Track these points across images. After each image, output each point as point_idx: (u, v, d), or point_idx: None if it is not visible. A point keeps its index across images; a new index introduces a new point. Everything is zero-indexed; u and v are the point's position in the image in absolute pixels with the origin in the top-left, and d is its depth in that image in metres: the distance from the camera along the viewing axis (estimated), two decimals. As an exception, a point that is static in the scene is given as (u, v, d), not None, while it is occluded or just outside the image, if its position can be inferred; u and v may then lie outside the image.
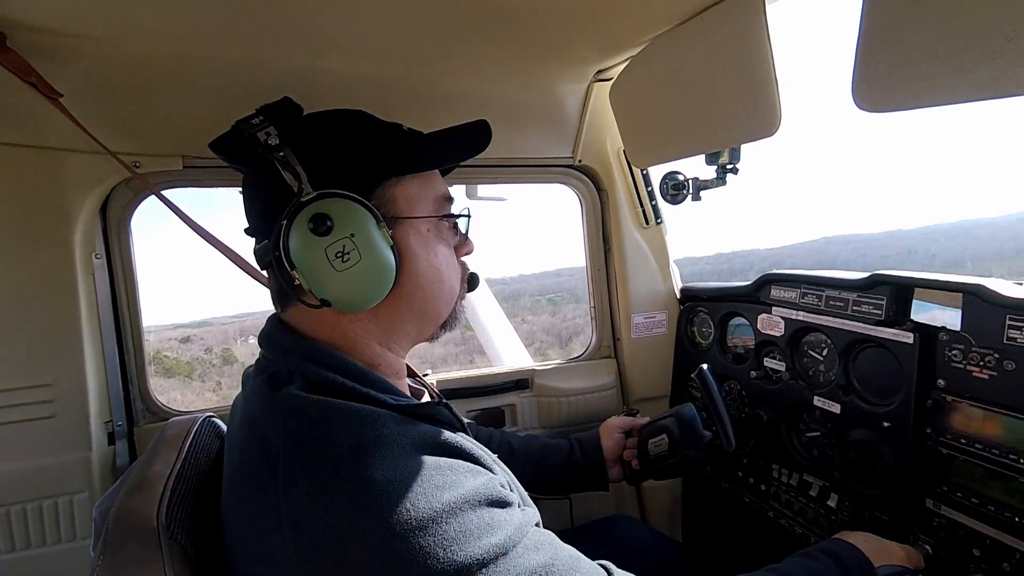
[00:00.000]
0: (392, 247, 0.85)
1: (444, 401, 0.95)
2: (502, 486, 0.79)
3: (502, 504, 0.76)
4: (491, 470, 0.82)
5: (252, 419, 0.82)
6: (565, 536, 0.93)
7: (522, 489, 0.94)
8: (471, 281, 1.04)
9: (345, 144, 0.87)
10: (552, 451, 1.55)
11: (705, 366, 1.53)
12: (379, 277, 0.83)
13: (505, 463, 1.45)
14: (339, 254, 0.80)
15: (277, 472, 0.71)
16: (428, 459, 0.74)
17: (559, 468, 1.53)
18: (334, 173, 0.84)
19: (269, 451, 0.74)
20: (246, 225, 0.92)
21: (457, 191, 2.09)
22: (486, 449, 0.88)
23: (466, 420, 1.51)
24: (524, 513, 0.80)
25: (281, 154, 0.82)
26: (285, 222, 0.80)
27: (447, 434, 0.80)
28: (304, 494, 0.69)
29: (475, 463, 0.80)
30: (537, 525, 0.82)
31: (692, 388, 1.96)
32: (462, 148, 0.98)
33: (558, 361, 2.06)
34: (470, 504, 0.71)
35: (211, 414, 1.16)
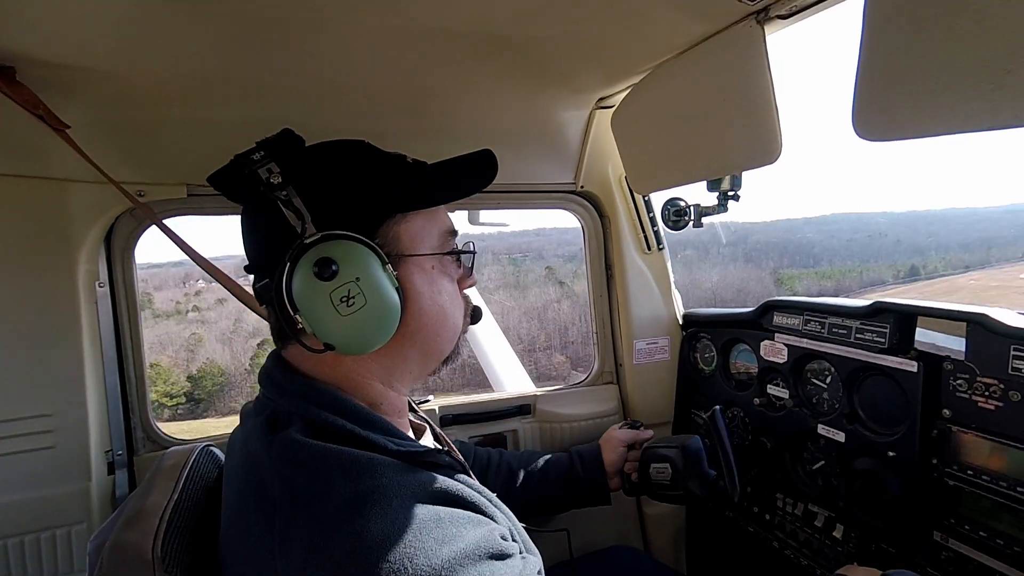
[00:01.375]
0: (397, 287, 0.83)
1: (445, 448, 0.94)
2: (503, 537, 0.78)
3: (502, 556, 0.74)
4: (492, 518, 0.80)
5: (250, 462, 0.80)
6: (566, 568, 0.92)
7: (524, 534, 0.92)
8: (474, 315, 1.02)
9: (348, 181, 0.85)
10: (552, 468, 1.53)
11: (718, 408, 1.50)
12: (384, 320, 0.81)
13: (505, 485, 1.44)
14: (344, 298, 0.78)
15: (274, 525, 0.70)
16: (427, 510, 0.72)
17: (560, 485, 1.51)
18: (337, 212, 0.81)
19: (266, 501, 0.72)
20: (246, 262, 0.91)
21: (460, 216, 2.10)
22: (487, 492, 0.86)
23: (466, 441, 1.50)
24: (525, 563, 0.78)
25: (284, 193, 0.80)
26: (288, 264, 0.78)
27: (448, 482, 0.79)
28: (300, 550, 0.67)
29: (476, 511, 0.78)
30: (539, 573, 0.81)
31: (700, 424, 1.94)
32: (467, 182, 0.96)
33: (560, 386, 2.05)
34: (470, 559, 0.69)
35: (210, 443, 1.15)
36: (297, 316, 0.79)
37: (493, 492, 1.36)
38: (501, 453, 1.55)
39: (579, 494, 1.52)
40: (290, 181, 0.80)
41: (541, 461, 1.54)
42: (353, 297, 0.78)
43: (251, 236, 0.89)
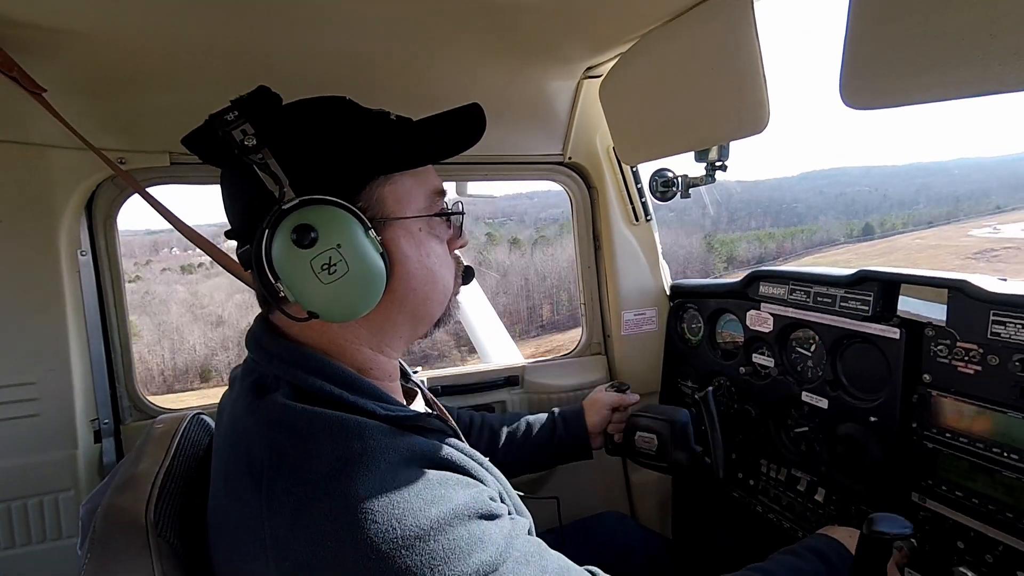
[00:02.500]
0: (382, 252, 0.81)
1: (436, 409, 0.94)
2: (492, 498, 0.78)
3: (491, 516, 0.74)
4: (482, 481, 0.80)
5: (237, 427, 0.79)
6: (554, 535, 0.93)
7: (514, 495, 0.92)
8: (465, 275, 1.00)
9: (328, 141, 0.81)
10: (535, 429, 1.53)
11: (710, 389, 1.51)
12: (368, 286, 0.79)
13: (487, 447, 1.45)
14: (325, 266, 0.75)
15: (261, 488, 0.69)
16: (416, 473, 0.72)
17: (542, 446, 1.51)
18: (317, 174, 0.79)
19: (253, 465, 0.72)
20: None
21: (448, 187, 2.08)
22: (478, 456, 0.86)
23: (447, 405, 1.51)
24: (514, 523, 0.78)
25: (259, 156, 0.76)
26: (267, 231, 0.76)
27: (437, 445, 0.78)
28: (287, 513, 0.67)
29: (465, 474, 0.78)
30: (529, 532, 0.81)
31: (687, 395, 1.97)
32: (455, 138, 0.92)
33: (549, 358, 2.06)
34: (459, 519, 0.69)
35: (200, 411, 1.15)
36: (278, 284, 0.77)
37: (479, 449, 1.38)
38: (484, 416, 1.55)
39: (562, 453, 1.53)
40: (266, 143, 0.76)
41: (523, 422, 1.54)
42: (335, 264, 0.76)
43: (230, 201, 0.86)
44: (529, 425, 1.54)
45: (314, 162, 0.80)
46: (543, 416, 1.57)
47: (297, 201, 0.76)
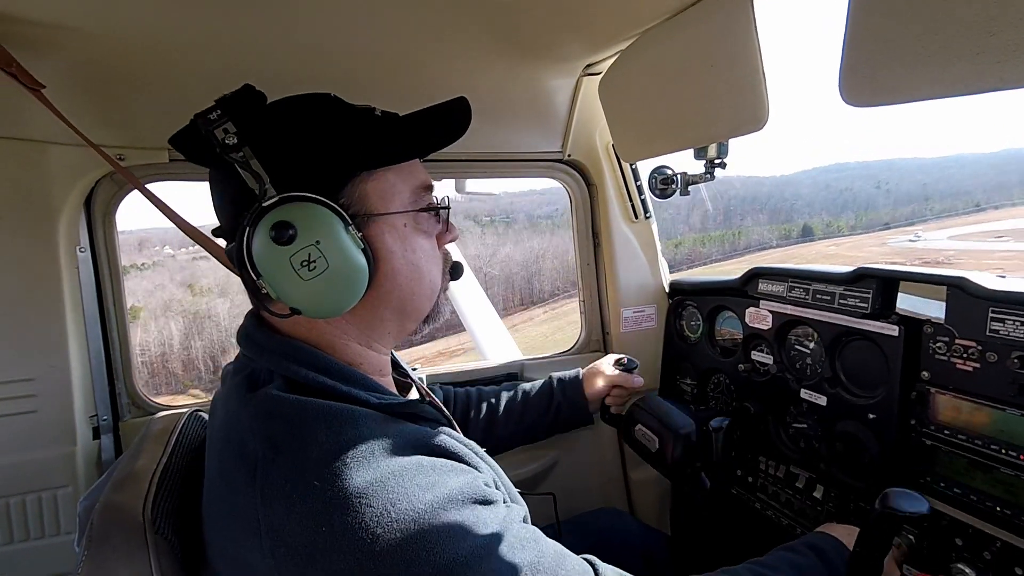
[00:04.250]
0: (364, 248, 0.81)
1: (429, 399, 0.94)
2: (486, 484, 0.78)
3: (486, 502, 0.75)
4: (476, 468, 0.81)
5: (231, 420, 0.80)
6: (551, 531, 0.93)
7: (509, 484, 0.93)
8: (454, 270, 1.00)
9: (309, 138, 0.82)
10: (534, 398, 1.52)
11: (725, 422, 1.45)
12: (349, 283, 0.79)
13: (488, 420, 1.46)
14: (304, 263, 0.76)
15: (255, 478, 0.70)
16: (410, 459, 0.72)
17: (542, 415, 1.51)
18: (298, 172, 0.79)
19: (247, 455, 0.72)
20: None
21: (447, 185, 2.08)
22: (472, 444, 0.86)
23: (435, 383, 1.50)
24: (509, 510, 0.78)
25: (240, 154, 0.76)
26: (247, 228, 0.76)
27: (431, 432, 0.79)
28: (282, 501, 0.67)
29: (459, 461, 0.78)
30: (524, 520, 0.82)
31: (685, 392, 1.97)
32: (441, 133, 0.92)
33: (548, 355, 2.06)
34: (453, 503, 0.70)
35: (198, 409, 1.15)
36: (260, 281, 0.78)
37: (478, 428, 1.35)
38: (480, 390, 1.54)
39: (560, 421, 1.52)
40: (247, 141, 0.77)
41: (520, 393, 1.54)
42: (314, 261, 0.76)
43: (216, 199, 0.86)
44: (526, 394, 1.53)
45: (295, 159, 0.80)
46: (542, 385, 1.56)
47: (277, 199, 0.76)
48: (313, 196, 0.77)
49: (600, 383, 1.53)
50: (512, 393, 1.54)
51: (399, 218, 0.87)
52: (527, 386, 1.57)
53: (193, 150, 0.83)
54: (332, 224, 0.77)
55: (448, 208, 0.97)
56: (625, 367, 1.55)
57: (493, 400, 1.51)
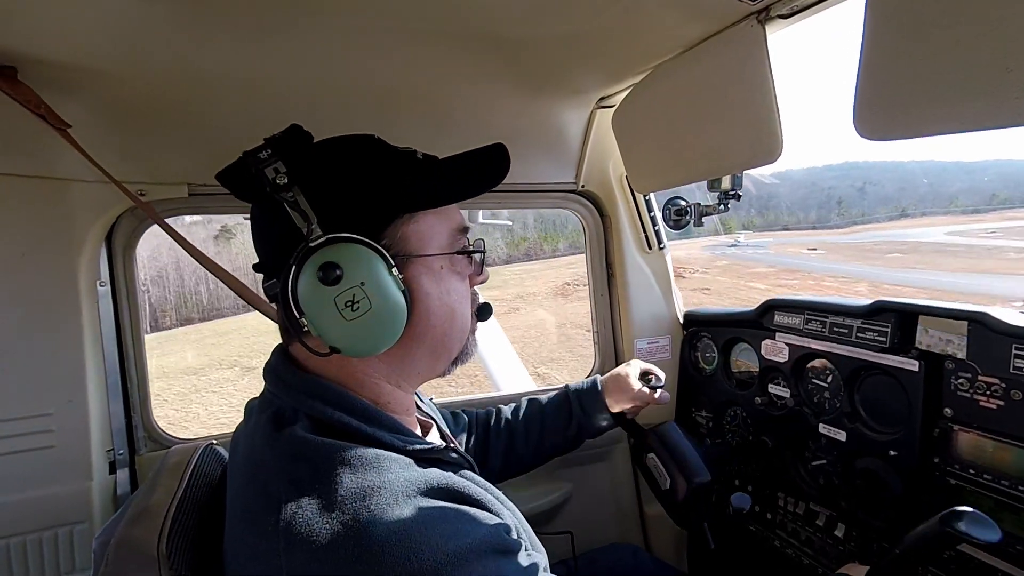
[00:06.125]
0: (403, 290, 0.81)
1: (451, 445, 0.93)
2: (508, 532, 0.77)
3: (508, 552, 0.74)
4: (498, 515, 0.80)
5: (255, 459, 0.80)
6: (568, 567, 0.92)
7: (528, 529, 0.92)
8: (482, 311, 1.00)
9: (356, 180, 0.83)
10: (551, 413, 1.48)
11: (747, 506, 1.40)
12: (390, 324, 0.80)
13: (507, 442, 1.44)
14: (348, 303, 0.77)
15: (279, 522, 0.69)
16: (434, 506, 0.72)
17: (562, 430, 1.46)
18: (344, 212, 0.80)
19: (271, 497, 0.72)
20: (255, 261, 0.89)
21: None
22: (493, 489, 0.86)
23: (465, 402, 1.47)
24: (530, 558, 0.78)
25: (290, 194, 0.78)
26: (293, 267, 0.77)
27: (453, 478, 0.78)
28: (305, 548, 0.67)
29: (482, 508, 0.78)
30: (544, 570, 0.80)
31: (700, 424, 1.94)
32: (479, 178, 0.93)
33: (560, 386, 2.05)
34: (476, 554, 0.69)
35: (213, 442, 1.15)
36: (302, 319, 0.78)
37: (499, 447, 1.34)
38: (499, 409, 1.51)
39: (584, 434, 1.48)
40: (296, 181, 0.78)
41: (537, 407, 1.50)
42: (358, 302, 0.77)
43: (259, 235, 0.88)
44: (543, 410, 1.49)
45: (342, 200, 0.81)
46: (558, 399, 1.51)
47: (324, 239, 0.77)
48: (360, 238, 0.79)
49: (625, 400, 1.46)
50: (528, 408, 1.50)
51: (436, 260, 0.88)
52: (543, 399, 1.52)
53: (240, 186, 0.84)
54: (376, 266, 0.79)
55: (484, 252, 0.98)
56: (651, 385, 1.47)
57: (511, 416, 1.48)
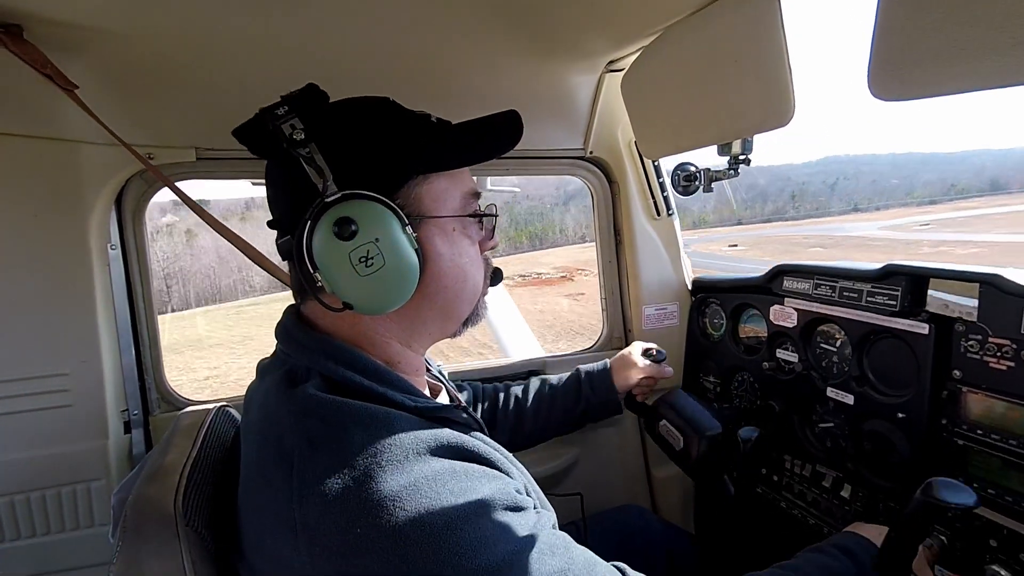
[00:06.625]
0: (417, 248, 0.82)
1: (462, 404, 0.94)
2: (517, 491, 0.79)
3: (517, 508, 0.75)
4: (508, 473, 0.81)
5: (269, 416, 0.81)
6: (576, 529, 0.93)
7: (538, 489, 0.93)
8: (494, 276, 1.01)
9: (372, 140, 0.84)
10: (560, 392, 1.54)
11: (755, 436, 1.43)
12: (403, 281, 0.81)
13: (516, 416, 1.48)
14: (363, 259, 0.78)
15: (292, 476, 0.71)
16: (444, 463, 0.73)
17: (570, 408, 1.52)
18: (360, 170, 0.81)
19: (284, 453, 0.73)
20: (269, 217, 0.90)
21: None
22: (503, 449, 0.87)
23: (461, 380, 1.51)
24: (540, 516, 0.79)
25: (306, 150, 0.78)
26: (309, 222, 0.78)
27: (463, 437, 0.79)
28: (318, 500, 0.68)
29: (491, 467, 0.79)
30: (553, 527, 0.82)
31: (708, 389, 1.95)
32: (493, 143, 0.94)
33: (570, 352, 2.06)
34: (485, 509, 0.71)
35: (226, 404, 1.17)
36: (317, 274, 0.79)
37: (507, 424, 1.38)
38: (507, 386, 1.56)
39: (589, 414, 1.53)
40: (313, 138, 0.79)
41: (547, 387, 1.55)
42: (372, 258, 0.78)
43: (274, 192, 0.89)
44: (553, 387, 1.55)
45: (357, 158, 0.82)
46: (568, 379, 1.57)
47: (340, 195, 0.78)
48: (375, 195, 0.79)
49: (631, 375, 1.53)
50: (539, 388, 1.55)
51: (449, 222, 0.89)
52: (553, 379, 1.57)
53: (256, 142, 0.85)
54: (391, 223, 0.79)
55: (496, 216, 0.99)
56: (655, 358, 1.54)
57: (520, 395, 1.52)
